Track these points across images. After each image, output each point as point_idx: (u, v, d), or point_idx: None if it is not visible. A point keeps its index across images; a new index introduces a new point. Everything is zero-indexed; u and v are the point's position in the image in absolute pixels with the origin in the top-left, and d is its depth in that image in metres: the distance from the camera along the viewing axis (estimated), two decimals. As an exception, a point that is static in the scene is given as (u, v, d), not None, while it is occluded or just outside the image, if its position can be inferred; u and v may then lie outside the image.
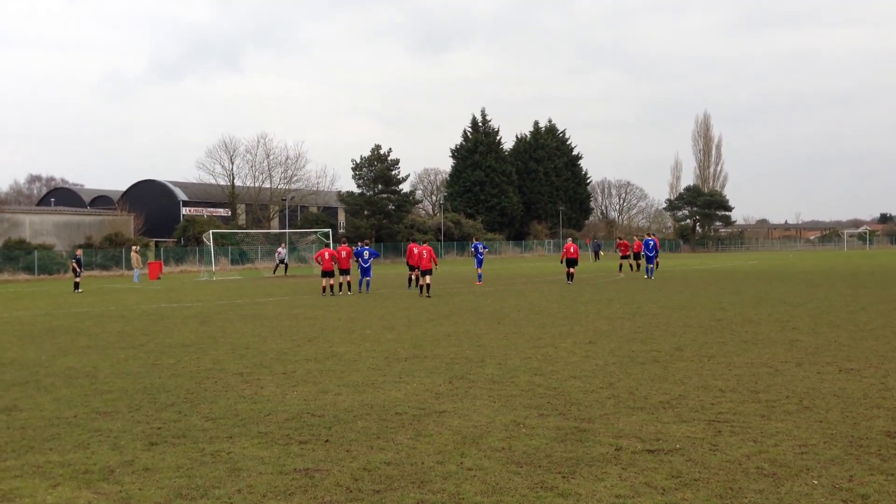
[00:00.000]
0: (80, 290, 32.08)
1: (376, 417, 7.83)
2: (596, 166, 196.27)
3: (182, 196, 78.82)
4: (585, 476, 5.84)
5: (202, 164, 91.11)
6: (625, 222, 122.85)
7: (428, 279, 25.24)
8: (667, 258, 63.17)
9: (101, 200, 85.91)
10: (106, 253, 54.88)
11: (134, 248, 44.15)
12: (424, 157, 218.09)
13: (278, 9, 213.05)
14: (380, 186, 78.82)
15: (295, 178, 78.49)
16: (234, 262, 57.87)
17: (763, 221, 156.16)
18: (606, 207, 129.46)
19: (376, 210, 78.22)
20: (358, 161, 79.07)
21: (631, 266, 38.46)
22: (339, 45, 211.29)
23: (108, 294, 30.52)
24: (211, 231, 48.15)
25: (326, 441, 6.95)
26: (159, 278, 43.66)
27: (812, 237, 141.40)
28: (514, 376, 10.02)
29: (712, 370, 10.24)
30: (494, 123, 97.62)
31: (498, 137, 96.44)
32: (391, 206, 79.25)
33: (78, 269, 33.66)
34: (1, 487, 5.83)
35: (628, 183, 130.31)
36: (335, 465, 6.23)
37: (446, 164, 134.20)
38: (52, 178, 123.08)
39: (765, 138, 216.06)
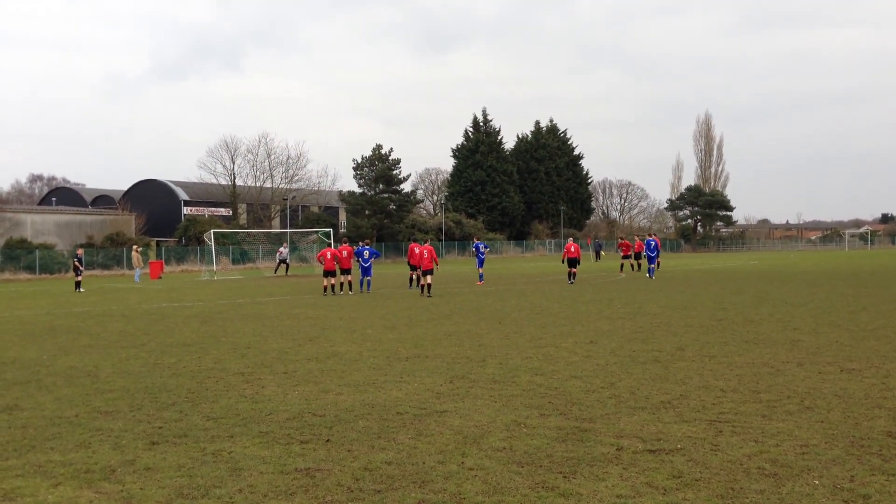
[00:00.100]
0: (81, 290, 32.10)
1: (377, 417, 7.83)
2: (597, 166, 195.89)
3: (183, 196, 78.85)
4: (586, 476, 5.83)
5: (203, 163, 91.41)
6: (626, 222, 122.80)
7: (429, 279, 25.24)
8: (668, 258, 63.17)
9: (103, 200, 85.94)
10: (107, 252, 54.92)
11: (135, 247, 44.18)
12: (425, 156, 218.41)
13: (279, 9, 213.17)
14: (381, 186, 78.83)
15: (296, 178, 78.56)
16: (235, 261, 57.91)
17: (764, 221, 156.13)
18: (607, 207, 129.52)
19: (377, 210, 78.23)
20: (359, 161, 79.11)
21: (632, 266, 38.46)
22: (339, 45, 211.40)
23: (109, 293, 30.54)
24: (212, 231, 48.18)
25: (327, 441, 6.95)
26: (160, 278, 43.68)
27: (813, 237, 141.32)
28: (515, 376, 10.02)
29: (713, 370, 10.24)
30: (495, 123, 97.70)
31: (499, 137, 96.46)
32: (392, 206, 79.28)
33: (80, 268, 33.71)
34: (2, 486, 5.84)
35: (629, 183, 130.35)
36: (336, 464, 6.23)
37: (447, 164, 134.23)
38: (53, 178, 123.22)
39: (766, 138, 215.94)
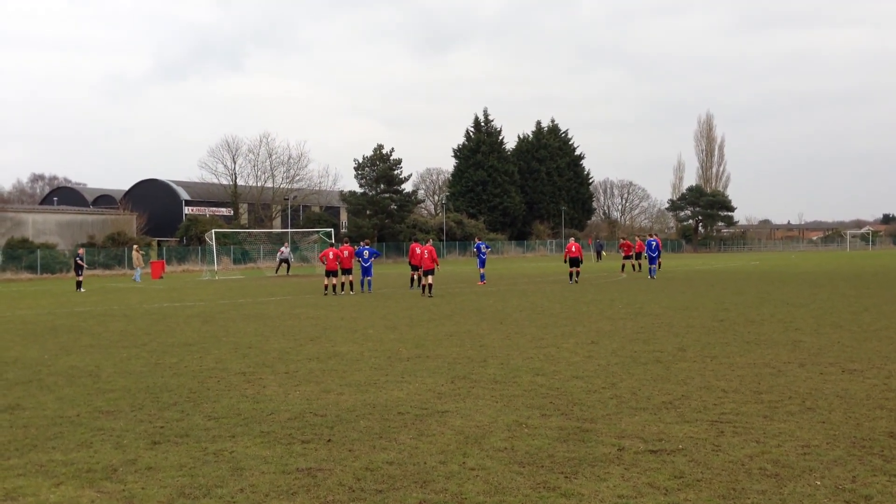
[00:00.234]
0: (82, 290, 32.12)
1: (379, 417, 7.83)
2: (598, 166, 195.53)
3: (185, 195, 78.90)
4: (588, 476, 5.83)
5: (205, 163, 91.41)
6: (627, 222, 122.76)
7: (430, 279, 25.25)
8: (669, 258, 63.15)
9: (104, 200, 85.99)
10: (108, 252, 54.96)
11: (136, 247, 44.22)
12: (426, 156, 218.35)
13: (280, 9, 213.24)
14: (382, 186, 78.83)
15: (297, 178, 78.59)
16: (236, 261, 57.93)
17: (765, 222, 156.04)
18: (609, 207, 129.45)
19: (378, 210, 78.23)
20: (360, 161, 79.11)
21: (633, 266, 38.46)
22: (340, 45, 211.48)
23: (110, 293, 30.56)
24: (213, 230, 48.21)
25: (329, 440, 6.95)
26: (162, 278, 43.70)
27: (815, 238, 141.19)
28: (516, 376, 10.02)
29: (715, 371, 10.23)
30: (497, 123, 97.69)
31: (500, 137, 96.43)
32: (393, 206, 79.27)
33: (82, 265, 33.77)
34: (4, 486, 5.84)
35: (630, 183, 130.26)
36: (337, 464, 6.23)
37: (448, 164, 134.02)
38: (54, 178, 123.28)
39: (767, 139, 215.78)
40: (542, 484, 5.67)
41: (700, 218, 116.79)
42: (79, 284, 32.77)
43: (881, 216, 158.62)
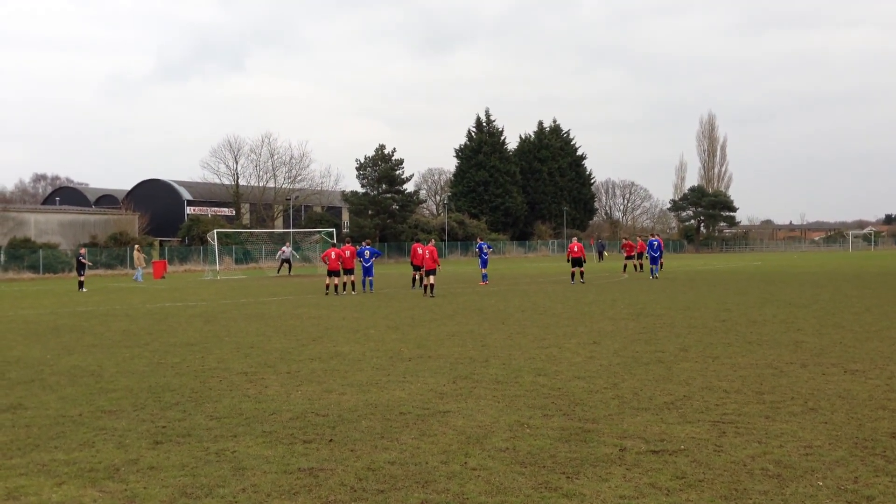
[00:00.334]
0: (84, 290, 32.16)
1: (380, 417, 7.83)
2: (600, 166, 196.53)
3: (187, 195, 78.96)
4: (590, 476, 5.83)
5: (207, 163, 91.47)
6: (629, 223, 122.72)
7: (432, 279, 25.25)
8: (671, 259, 63.11)
9: (106, 200, 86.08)
10: (111, 252, 55.01)
11: (137, 247, 44.26)
12: (428, 156, 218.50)
13: (282, 9, 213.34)
14: (384, 186, 78.85)
15: (299, 178, 78.66)
16: (238, 261, 57.98)
17: (768, 222, 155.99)
18: (610, 208, 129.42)
19: (380, 210, 78.26)
20: (362, 161, 79.16)
21: (635, 266, 38.45)
22: (342, 46, 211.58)
23: (112, 293, 30.59)
24: (215, 230, 48.24)
25: (331, 440, 6.96)
26: (164, 277, 43.73)
27: (817, 238, 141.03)
28: (518, 376, 10.02)
29: (717, 371, 10.23)
30: (498, 123, 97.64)
31: (502, 137, 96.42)
32: (395, 206, 79.29)
33: (86, 263, 33.83)
34: (7, 485, 5.85)
35: (632, 183, 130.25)
36: (339, 464, 6.23)
37: (450, 164, 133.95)
38: (57, 178, 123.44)
39: (769, 139, 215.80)
40: (543, 484, 5.67)
41: (702, 218, 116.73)
42: (81, 284, 32.81)
43: (883, 216, 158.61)
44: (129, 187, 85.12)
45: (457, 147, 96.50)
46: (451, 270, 45.85)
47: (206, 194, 78.58)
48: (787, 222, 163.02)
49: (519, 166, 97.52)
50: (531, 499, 5.37)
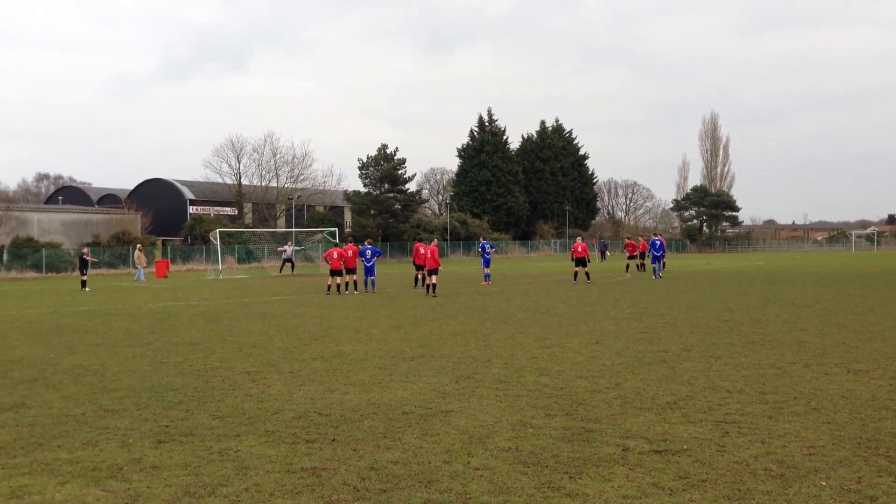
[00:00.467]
0: (87, 289, 32.20)
1: (383, 416, 7.83)
2: (602, 166, 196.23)
3: (189, 195, 79.04)
4: (592, 476, 5.83)
5: (209, 163, 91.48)
6: (631, 222, 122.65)
7: (434, 279, 25.25)
8: (673, 258, 63.08)
9: (109, 199, 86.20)
10: (113, 251, 55.08)
11: (139, 246, 44.31)
12: (431, 156, 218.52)
13: (285, 9, 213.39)
14: (386, 186, 78.89)
15: (301, 178, 78.74)
16: (240, 260, 58.01)
17: (770, 222, 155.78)
18: (613, 207, 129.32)
19: (383, 209, 78.29)
20: (364, 160, 79.20)
21: (638, 266, 38.44)
22: (345, 45, 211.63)
23: (115, 292, 30.62)
24: (218, 230, 48.25)
25: (333, 440, 6.96)
26: (166, 277, 43.78)
27: (819, 238, 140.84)
28: (520, 376, 10.02)
29: (720, 371, 10.22)
30: (501, 123, 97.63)
31: (504, 137, 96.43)
32: (397, 206, 79.33)
33: (89, 260, 33.90)
34: (10, 484, 5.86)
35: (635, 183, 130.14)
36: (342, 463, 6.23)
37: (452, 164, 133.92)
38: (60, 177, 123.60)
39: (772, 138, 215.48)
40: (546, 484, 5.66)
41: (704, 218, 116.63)
42: (84, 284, 32.85)
43: (886, 216, 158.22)
44: (131, 187, 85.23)
45: (459, 146, 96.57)
46: (453, 270, 45.85)
47: (209, 194, 78.64)
48: (790, 222, 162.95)
49: (521, 166, 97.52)
50: (534, 499, 5.37)
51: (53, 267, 49.63)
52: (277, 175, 78.14)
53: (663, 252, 34.78)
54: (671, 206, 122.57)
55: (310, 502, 5.38)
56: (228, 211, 77.94)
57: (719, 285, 28.87)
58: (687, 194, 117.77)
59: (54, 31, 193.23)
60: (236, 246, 59.37)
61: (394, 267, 55.57)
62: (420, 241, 29.84)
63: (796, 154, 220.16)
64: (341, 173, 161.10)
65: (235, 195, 76.88)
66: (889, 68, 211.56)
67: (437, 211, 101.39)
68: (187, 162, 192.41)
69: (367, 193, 78.83)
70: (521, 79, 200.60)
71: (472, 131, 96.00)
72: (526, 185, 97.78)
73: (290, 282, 36.21)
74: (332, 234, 47.43)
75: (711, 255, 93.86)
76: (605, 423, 7.41)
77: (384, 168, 78.26)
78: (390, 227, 77.81)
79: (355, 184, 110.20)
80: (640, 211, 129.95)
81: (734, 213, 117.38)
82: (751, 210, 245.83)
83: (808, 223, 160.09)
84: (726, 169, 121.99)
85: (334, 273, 26.84)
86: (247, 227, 69.86)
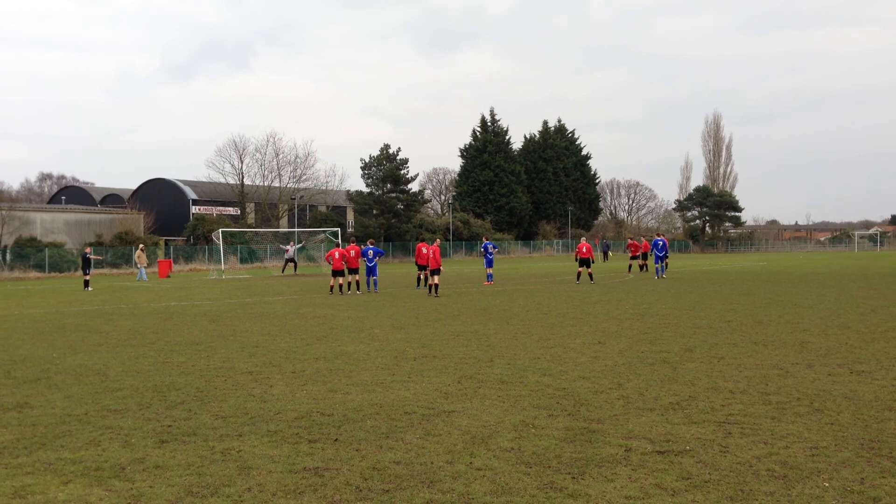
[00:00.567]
0: (90, 288, 32.23)
1: (385, 417, 7.83)
2: (605, 166, 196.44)
3: (192, 195, 79.09)
4: (595, 477, 5.83)
5: (212, 162, 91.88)
6: (634, 223, 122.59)
7: (436, 279, 25.25)
8: (676, 259, 63.01)
9: (112, 199, 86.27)
10: (116, 251, 55.13)
11: (141, 246, 44.37)
12: (433, 156, 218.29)
13: (288, 9, 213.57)
14: (388, 186, 78.90)
15: (304, 178, 78.75)
16: (243, 260, 58.05)
17: (773, 222, 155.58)
18: (615, 208, 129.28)
19: (385, 209, 78.30)
20: (367, 160, 79.19)
21: (640, 266, 38.42)
22: (347, 45, 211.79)
23: (118, 292, 30.65)
24: (220, 230, 48.29)
25: (336, 440, 6.96)
26: (169, 276, 43.81)
27: (822, 238, 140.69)
28: (523, 376, 10.01)
29: (722, 371, 10.21)
30: (503, 123, 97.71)
31: (507, 137, 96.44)
32: (400, 206, 79.32)
33: (92, 259, 33.96)
34: (13, 484, 5.87)
35: (637, 183, 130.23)
36: (344, 464, 6.23)
37: (455, 164, 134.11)
38: (62, 177, 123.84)
39: (775, 139, 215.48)
40: (549, 484, 5.66)
41: (707, 218, 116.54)
42: (86, 283, 32.89)
43: (889, 217, 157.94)
44: (134, 186, 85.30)
45: (462, 147, 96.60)
46: (455, 270, 45.84)
47: (212, 194, 78.70)
48: (793, 222, 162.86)
49: (524, 166, 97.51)
50: (536, 499, 5.37)
51: (56, 267, 49.70)
52: (280, 175, 78.23)
53: (666, 252, 34.74)
54: (674, 206, 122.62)
55: (312, 502, 5.38)
56: (231, 211, 77.99)
57: (722, 286, 28.84)
58: (689, 194, 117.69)
59: (57, 31, 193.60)
60: (239, 246, 59.41)
61: (396, 267, 55.58)
62: (423, 241, 29.84)
63: (799, 154, 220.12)
64: (344, 173, 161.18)
65: (238, 195, 76.91)
66: (892, 68, 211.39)
67: (439, 211, 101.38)
68: (190, 162, 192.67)
69: (370, 193, 78.85)
70: (523, 79, 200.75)
71: (474, 131, 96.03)
72: (528, 186, 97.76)
73: (293, 282, 36.23)
74: (335, 234, 47.45)
75: (714, 255, 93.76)
76: (608, 424, 7.41)
77: (387, 168, 78.27)
78: (393, 228, 77.81)
79: (358, 184, 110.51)
80: (643, 211, 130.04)
81: (737, 214, 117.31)
82: (753, 210, 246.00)
83: (810, 223, 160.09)
84: (729, 169, 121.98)
85: (336, 273, 26.85)
86: (249, 227, 69.90)
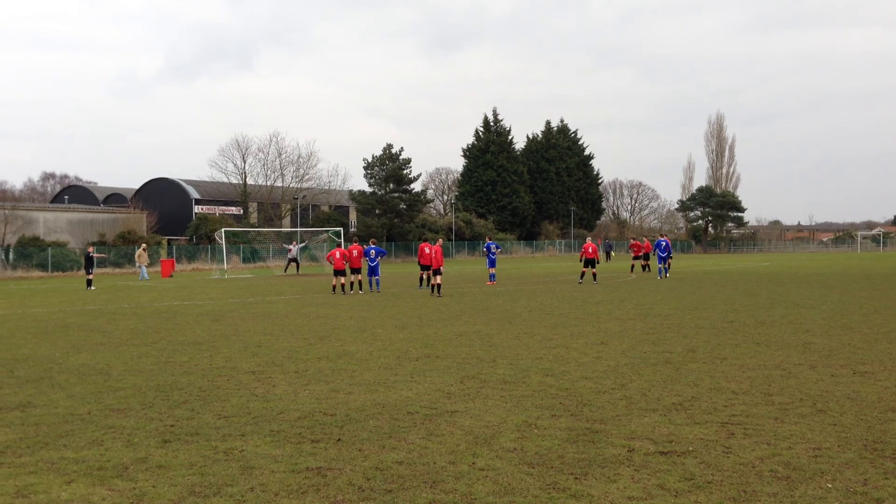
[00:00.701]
0: (92, 288, 32.27)
1: (388, 417, 7.83)
2: (608, 166, 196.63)
3: (195, 194, 79.13)
4: (598, 477, 5.82)
5: (215, 162, 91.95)
6: (636, 223, 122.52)
7: (439, 279, 25.24)
8: (679, 259, 62.97)
9: (115, 198, 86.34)
10: (119, 250, 55.18)
11: (143, 245, 44.43)
12: (436, 156, 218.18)
13: (291, 9, 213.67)
14: (391, 185, 78.87)
15: (307, 177, 78.70)
16: (245, 260, 58.07)
17: (776, 223, 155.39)
18: (618, 208, 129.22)
19: (388, 209, 78.28)
20: (370, 160, 79.18)
21: (643, 267, 38.39)
22: (350, 45, 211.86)
23: (120, 291, 30.68)
24: (223, 229, 48.33)
25: (338, 440, 6.96)
26: (171, 276, 43.85)
27: (825, 239, 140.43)
28: (525, 377, 10.01)
29: (725, 372, 10.20)
30: (506, 123, 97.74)
31: (510, 137, 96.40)
32: (402, 206, 79.29)
33: (95, 259, 34.01)
34: (16, 483, 5.88)
35: (640, 183, 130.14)
36: (347, 464, 6.24)
37: (458, 164, 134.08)
38: (65, 176, 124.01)
39: (778, 139, 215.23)
40: (551, 485, 5.66)
41: (710, 218, 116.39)
42: (89, 283, 32.92)
43: (892, 217, 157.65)
44: (137, 186, 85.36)
45: (464, 146, 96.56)
46: (458, 270, 45.84)
47: (214, 193, 78.75)
48: (796, 223, 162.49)
49: (526, 166, 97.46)
50: (539, 499, 5.37)
51: (59, 266, 49.75)
52: (283, 175, 78.23)
53: (669, 253, 34.71)
54: (676, 206, 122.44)
55: (315, 502, 5.38)
56: (234, 210, 78.00)
57: (724, 286, 28.81)
58: (692, 195, 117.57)
59: (60, 31, 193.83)
60: (241, 245, 59.42)
61: (399, 267, 55.60)
62: (425, 240, 29.82)
63: (802, 154, 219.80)
64: (346, 173, 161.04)
65: (241, 195, 76.93)
66: (895, 68, 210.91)
67: (442, 211, 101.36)
68: (193, 161, 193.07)
69: (373, 193, 78.83)
70: (526, 79, 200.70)
71: (477, 131, 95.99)
72: (531, 186, 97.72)
73: (295, 281, 36.24)
74: (338, 234, 47.46)
75: (717, 255, 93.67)
76: (611, 424, 7.41)
77: (389, 168, 78.25)
78: (395, 227, 77.80)
79: (360, 183, 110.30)
80: (646, 211, 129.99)
81: (739, 214, 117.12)
82: (756, 211, 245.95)
83: (813, 224, 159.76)
84: (732, 169, 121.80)
85: (338, 273, 26.85)
86: (252, 226, 69.93)
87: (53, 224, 65.69)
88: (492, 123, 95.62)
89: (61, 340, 14.62)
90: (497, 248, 33.40)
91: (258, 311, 20.51)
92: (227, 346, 13.48)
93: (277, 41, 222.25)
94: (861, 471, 5.91)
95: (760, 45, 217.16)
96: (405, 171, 79.21)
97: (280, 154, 77.98)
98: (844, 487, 5.54)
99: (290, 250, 45.94)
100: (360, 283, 27.31)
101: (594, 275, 30.80)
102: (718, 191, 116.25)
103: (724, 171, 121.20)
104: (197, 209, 77.26)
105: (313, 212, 78.84)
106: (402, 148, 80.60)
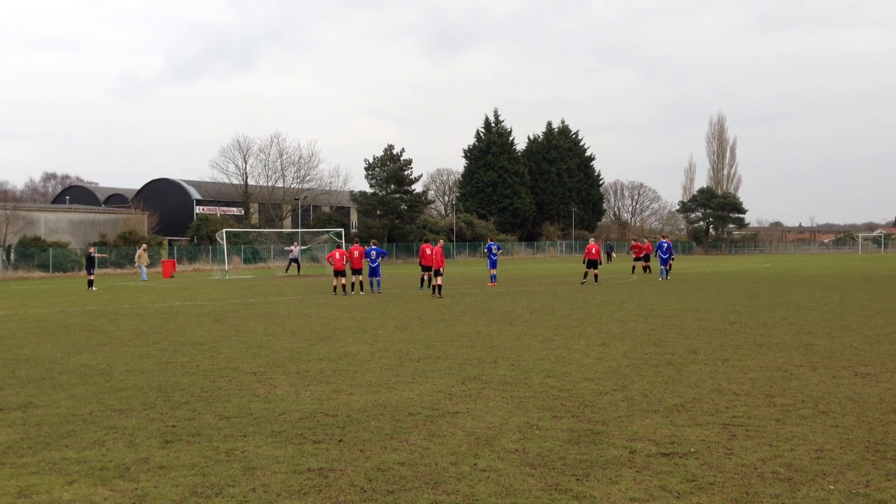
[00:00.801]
0: (94, 288, 32.28)
1: (389, 418, 7.83)
2: (609, 167, 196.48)
3: (196, 195, 79.16)
4: (599, 478, 5.82)
5: (216, 163, 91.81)
6: (638, 224, 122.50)
7: (440, 280, 25.24)
8: (680, 260, 62.96)
9: (116, 199, 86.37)
10: (120, 251, 55.21)
11: (143, 246, 44.44)
12: (437, 157, 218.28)
13: (292, 9, 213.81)
14: (392, 186, 78.89)
15: (308, 178, 78.66)
16: (246, 261, 58.08)
17: (777, 224, 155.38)
18: (619, 209, 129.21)
19: (389, 210, 78.30)
20: (371, 161, 79.20)
21: (644, 268, 38.39)
22: (351, 46, 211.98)
23: (121, 292, 30.69)
24: (224, 230, 48.32)
25: (340, 441, 6.96)
26: (173, 277, 43.87)
27: (826, 240, 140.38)
28: (527, 378, 10.01)
29: (727, 373, 10.19)
30: (507, 124, 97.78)
31: (511, 138, 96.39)
32: (403, 207, 79.31)
33: (96, 259, 34.03)
34: (18, 484, 5.88)
35: (641, 184, 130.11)
36: (349, 464, 6.24)
37: (459, 165, 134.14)
38: (67, 176, 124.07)
39: (779, 140, 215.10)
40: (553, 486, 5.66)
41: (711, 220, 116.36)
42: (90, 283, 32.94)
43: (893, 219, 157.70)
44: (138, 186, 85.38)
45: (465, 147, 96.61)
46: (459, 271, 45.84)
47: (215, 194, 78.77)
48: (797, 224, 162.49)
49: (527, 167, 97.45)
50: (541, 500, 5.37)
51: (60, 266, 49.77)
52: (284, 175, 78.20)
53: (670, 255, 34.71)
54: (677, 207, 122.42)
55: (316, 503, 5.38)
56: (235, 211, 78.03)
57: (726, 287, 28.80)
58: (693, 196, 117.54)
59: (60, 31, 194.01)
60: (242, 246, 59.43)
61: (400, 268, 55.61)
62: (426, 241, 29.81)
63: (803, 156, 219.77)
64: (347, 174, 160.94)
65: (242, 195, 76.94)
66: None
67: (443, 212, 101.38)
68: (194, 162, 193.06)
69: (374, 194, 78.85)
70: (527, 80, 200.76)
71: (478, 132, 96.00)
72: (532, 187, 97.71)
73: (296, 282, 36.25)
74: (339, 235, 47.47)
75: (718, 257, 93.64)
76: (612, 426, 7.40)
77: (390, 169, 78.26)
78: (396, 228, 77.80)
79: (361, 184, 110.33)
80: (647, 212, 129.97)
81: (741, 215, 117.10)
82: (757, 212, 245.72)
83: (814, 225, 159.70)
84: (733, 171, 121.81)
85: (338, 274, 26.86)
86: (253, 227, 69.93)
87: (55, 224, 65.72)
88: (493, 124, 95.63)
89: (63, 341, 14.63)
90: (498, 249, 33.40)
91: (259, 311, 20.52)
92: (229, 346, 13.48)
93: (278, 41, 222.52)
94: (863, 472, 5.90)
95: (761, 45, 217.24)
96: (406, 172, 79.24)
97: (281, 155, 78.01)
98: (846, 489, 5.53)
99: (291, 251, 45.97)
100: (360, 283, 27.32)
101: (596, 276, 30.80)
102: (719, 192, 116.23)
103: (726, 172, 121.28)
104: (198, 210, 77.29)
105: (314, 212, 78.85)
106: (403, 149, 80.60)
